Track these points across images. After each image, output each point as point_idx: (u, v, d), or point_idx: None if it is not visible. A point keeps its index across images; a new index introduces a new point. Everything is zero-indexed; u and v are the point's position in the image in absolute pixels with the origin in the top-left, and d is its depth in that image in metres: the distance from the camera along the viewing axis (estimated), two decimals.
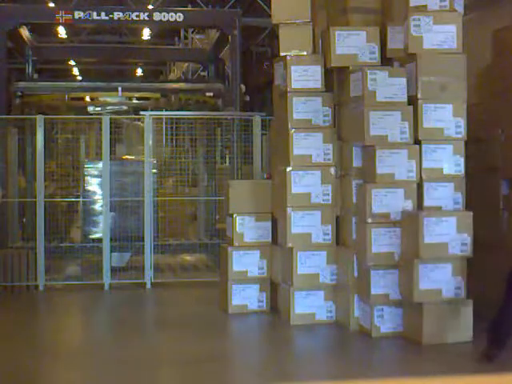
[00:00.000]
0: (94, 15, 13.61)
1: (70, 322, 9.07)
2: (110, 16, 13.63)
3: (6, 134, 12.02)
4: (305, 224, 8.14)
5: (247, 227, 8.74)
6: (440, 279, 7.13)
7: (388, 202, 7.53)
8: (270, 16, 9.07)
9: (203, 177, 13.34)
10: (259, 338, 8.09)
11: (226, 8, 17.35)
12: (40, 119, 10.69)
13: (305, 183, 8.16)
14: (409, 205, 7.53)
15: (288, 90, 8.27)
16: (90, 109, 18.88)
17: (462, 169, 7.65)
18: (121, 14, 13.78)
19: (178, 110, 18.63)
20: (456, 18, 7.70)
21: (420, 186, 7.60)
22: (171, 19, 13.84)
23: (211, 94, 16.70)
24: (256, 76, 20.42)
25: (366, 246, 7.49)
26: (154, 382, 6.48)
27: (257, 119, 11.16)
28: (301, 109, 8.25)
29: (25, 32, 15.72)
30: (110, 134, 10.80)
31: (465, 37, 7.74)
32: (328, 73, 8.35)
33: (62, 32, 19.65)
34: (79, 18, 13.59)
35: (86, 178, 11.98)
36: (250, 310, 8.67)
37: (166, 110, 19.38)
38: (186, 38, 20.02)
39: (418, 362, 6.77)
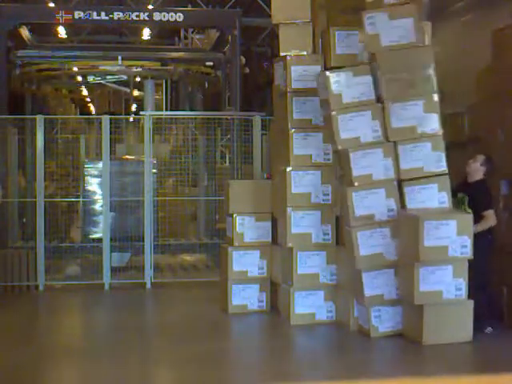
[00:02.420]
0: (94, 15, 13.63)
1: (70, 322, 9.07)
2: (110, 16, 13.65)
3: (6, 133, 12.02)
4: (305, 224, 8.13)
5: (247, 227, 8.74)
6: (441, 281, 7.09)
7: (370, 203, 7.46)
8: (270, 16, 9.07)
9: (203, 177, 13.33)
10: (259, 338, 8.09)
11: (226, 8, 17.35)
12: (40, 119, 10.69)
13: (305, 183, 8.16)
14: (392, 203, 7.48)
15: (288, 90, 8.27)
16: (90, 78, 18.94)
17: (444, 165, 7.52)
18: (121, 13, 13.80)
19: (177, 81, 18.69)
20: (412, 10, 7.48)
21: (400, 186, 7.52)
22: (171, 19, 13.86)
23: (211, 64, 16.71)
24: (256, 76, 20.41)
25: (353, 250, 7.47)
26: (154, 382, 6.48)
27: (257, 119, 11.15)
28: (301, 109, 8.24)
29: (25, 32, 15.73)
30: (110, 133, 10.80)
31: (465, 36, 7.69)
32: None
33: (62, 32, 19.63)
34: (79, 18, 13.61)
35: (86, 177, 11.98)
36: (250, 310, 8.67)
37: (166, 80, 19.47)
38: (186, 38, 20.01)
39: (418, 362, 6.77)
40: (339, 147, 7.57)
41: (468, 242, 7.12)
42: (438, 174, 7.51)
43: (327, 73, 7.61)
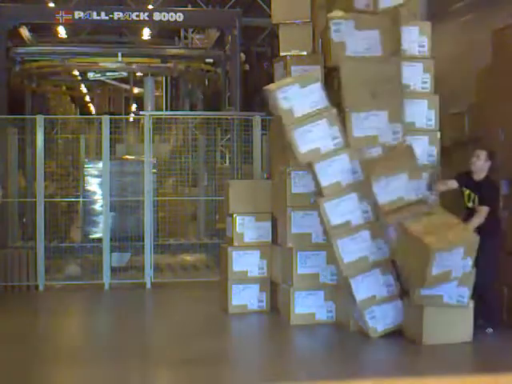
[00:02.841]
0: (94, 15, 13.65)
1: (70, 322, 9.07)
2: (110, 16, 13.67)
3: (6, 134, 12.03)
4: (305, 224, 8.12)
5: (247, 227, 8.73)
6: (442, 287, 7.03)
7: (344, 210, 7.41)
8: (270, 16, 9.07)
9: (203, 177, 13.34)
10: (259, 338, 8.08)
11: (226, 8, 17.36)
12: (40, 119, 10.69)
13: (305, 183, 8.14)
14: (365, 205, 7.42)
15: None
16: (90, 75, 18.98)
17: (423, 192, 7.33)
18: (121, 13, 13.81)
19: (177, 77, 18.70)
20: (379, 22, 7.14)
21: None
22: (171, 19, 13.87)
23: (211, 60, 16.73)
24: (256, 76, 20.41)
25: (337, 258, 7.45)
26: (154, 382, 6.48)
27: (257, 119, 11.16)
28: None
29: (25, 32, 15.75)
30: (110, 133, 10.81)
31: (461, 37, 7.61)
32: (328, 73, 8.34)
33: (62, 32, 19.65)
34: (79, 18, 13.63)
35: (85, 177, 12.00)
36: (250, 310, 8.67)
37: (166, 77, 19.48)
38: (186, 37, 20.03)
39: (418, 362, 6.77)
40: (301, 162, 7.49)
41: (470, 263, 6.95)
42: (418, 201, 7.32)
43: (273, 89, 7.42)
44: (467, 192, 7.55)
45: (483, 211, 7.39)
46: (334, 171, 7.45)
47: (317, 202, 7.56)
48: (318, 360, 6.92)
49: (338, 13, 7.24)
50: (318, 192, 7.61)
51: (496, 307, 7.64)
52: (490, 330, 7.42)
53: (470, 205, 7.56)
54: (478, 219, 7.35)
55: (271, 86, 7.63)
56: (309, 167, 7.61)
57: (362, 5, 7.16)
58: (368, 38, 7.13)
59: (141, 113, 13.11)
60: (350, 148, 7.47)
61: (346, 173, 7.48)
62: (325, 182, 7.44)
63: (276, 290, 8.67)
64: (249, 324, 8.42)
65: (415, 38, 7.90)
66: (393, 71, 7.29)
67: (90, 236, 11.86)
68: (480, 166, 7.58)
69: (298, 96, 7.36)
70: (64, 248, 11.68)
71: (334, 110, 7.43)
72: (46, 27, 18.83)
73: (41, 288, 10.45)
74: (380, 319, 7.43)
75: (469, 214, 7.51)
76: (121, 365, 6.68)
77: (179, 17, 13.93)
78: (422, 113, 7.95)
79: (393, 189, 7.20)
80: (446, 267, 6.83)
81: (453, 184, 7.61)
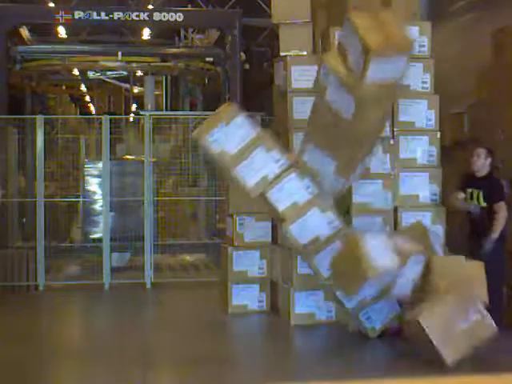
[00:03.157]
0: (94, 15, 13.67)
1: (70, 322, 9.08)
2: (110, 16, 13.69)
3: (6, 134, 12.03)
4: None
5: (247, 227, 8.74)
6: None
7: (309, 227, 7.23)
8: (270, 16, 9.08)
9: (203, 177, 13.35)
10: (259, 338, 8.08)
11: (226, 8, 17.36)
12: (40, 119, 10.70)
13: None
14: (330, 215, 7.28)
15: (288, 90, 8.27)
16: (90, 74, 19.01)
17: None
18: (121, 13, 13.84)
19: (177, 77, 18.73)
20: (360, 93, 6.52)
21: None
22: (171, 19, 13.89)
23: (211, 59, 16.76)
24: (256, 76, 20.41)
25: (317, 274, 7.44)
26: (154, 382, 6.48)
27: (257, 119, 11.15)
28: (301, 109, 8.21)
29: (25, 32, 15.76)
30: (110, 133, 10.81)
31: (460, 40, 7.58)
32: None
33: (62, 32, 19.66)
34: (79, 17, 13.66)
35: (86, 177, 12.01)
36: (250, 310, 8.67)
37: (166, 76, 19.53)
38: (186, 38, 20.04)
39: (418, 361, 6.76)
40: (253, 195, 7.32)
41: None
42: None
43: (201, 136, 7.22)
44: (469, 191, 7.55)
45: (502, 208, 7.40)
46: (288, 193, 7.26)
47: (282, 227, 7.43)
48: (318, 360, 6.92)
49: (331, 57, 6.82)
50: (278, 219, 7.49)
51: (497, 307, 7.63)
52: None
53: (472, 203, 7.57)
54: (502, 218, 7.36)
55: (197, 134, 7.34)
56: (262, 198, 7.38)
57: (352, 56, 6.47)
58: (346, 100, 6.69)
59: (141, 112, 13.13)
60: (298, 167, 7.31)
61: (300, 191, 7.30)
62: (282, 206, 7.25)
63: (276, 289, 8.67)
64: (249, 324, 8.42)
65: (415, 38, 7.89)
66: (357, 139, 6.96)
67: (90, 236, 11.87)
68: (481, 164, 7.59)
69: (225, 135, 7.15)
70: (64, 248, 11.70)
71: (267, 135, 7.28)
72: (46, 27, 18.84)
73: (41, 288, 10.45)
74: (376, 319, 7.41)
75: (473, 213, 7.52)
76: (121, 365, 6.68)
77: (179, 17, 13.95)
78: (422, 113, 7.95)
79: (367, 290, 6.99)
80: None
81: (460, 195, 7.60)
